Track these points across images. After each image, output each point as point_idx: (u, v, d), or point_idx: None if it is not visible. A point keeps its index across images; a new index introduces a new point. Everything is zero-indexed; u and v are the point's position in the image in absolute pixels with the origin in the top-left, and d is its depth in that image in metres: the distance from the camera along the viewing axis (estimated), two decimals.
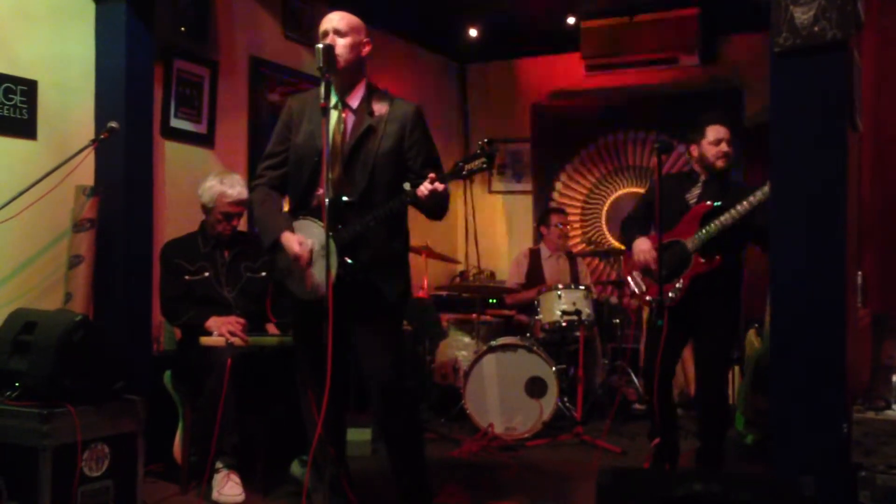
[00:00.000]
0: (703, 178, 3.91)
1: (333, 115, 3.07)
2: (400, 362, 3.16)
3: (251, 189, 3.34)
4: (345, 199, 3.03)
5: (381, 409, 3.15)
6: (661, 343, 3.52)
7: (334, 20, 3.08)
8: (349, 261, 3.02)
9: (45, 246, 3.90)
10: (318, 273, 3.02)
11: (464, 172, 2.96)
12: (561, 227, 6.03)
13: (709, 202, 3.80)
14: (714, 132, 3.84)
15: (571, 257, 6.11)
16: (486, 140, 2.96)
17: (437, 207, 3.09)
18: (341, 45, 3.04)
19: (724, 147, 3.84)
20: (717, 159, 3.83)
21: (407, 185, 2.99)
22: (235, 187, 3.89)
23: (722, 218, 3.70)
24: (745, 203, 3.64)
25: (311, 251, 3.03)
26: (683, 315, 3.75)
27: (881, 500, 2.84)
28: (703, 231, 3.73)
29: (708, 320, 3.81)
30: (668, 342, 3.63)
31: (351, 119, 3.11)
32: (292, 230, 3.08)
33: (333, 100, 3.08)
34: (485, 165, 2.93)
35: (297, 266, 3.04)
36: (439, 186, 2.89)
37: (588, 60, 6.62)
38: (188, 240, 3.99)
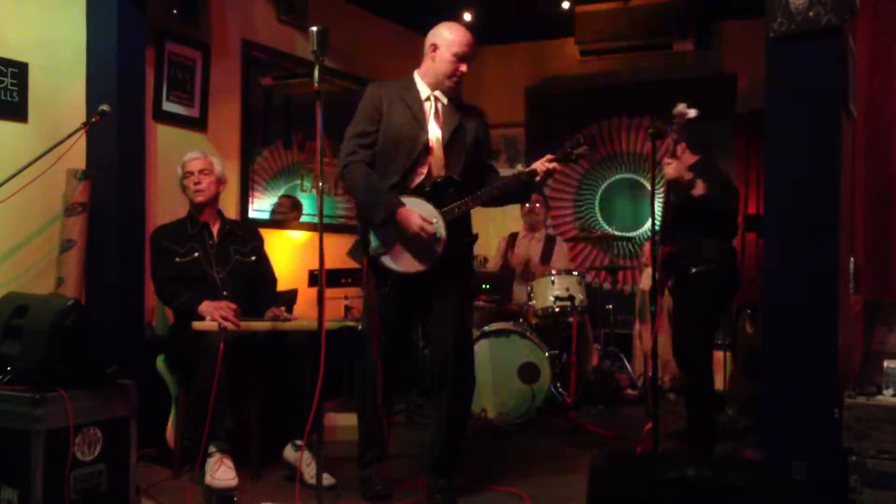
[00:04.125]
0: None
1: (429, 105, 3.47)
2: (471, 335, 3.70)
3: (345, 164, 3.39)
4: (454, 178, 3.35)
5: (454, 370, 3.40)
6: (653, 328, 3.56)
7: (473, 47, 3.47)
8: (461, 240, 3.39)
9: (36, 230, 3.88)
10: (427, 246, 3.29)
11: (572, 156, 3.44)
12: (529, 205, 5.88)
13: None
14: None
15: (550, 239, 6.01)
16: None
17: (527, 192, 3.61)
18: None
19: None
20: None
21: (520, 166, 3.34)
22: (194, 153, 4.01)
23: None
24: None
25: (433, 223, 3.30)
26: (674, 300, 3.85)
27: (872, 485, 2.87)
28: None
29: (680, 301, 3.96)
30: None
31: (443, 111, 3.48)
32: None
33: (426, 92, 3.49)
34: (587, 151, 3.45)
35: (425, 234, 3.24)
36: (557, 166, 3.38)
37: (582, 46, 6.60)
38: (177, 224, 3.99)
